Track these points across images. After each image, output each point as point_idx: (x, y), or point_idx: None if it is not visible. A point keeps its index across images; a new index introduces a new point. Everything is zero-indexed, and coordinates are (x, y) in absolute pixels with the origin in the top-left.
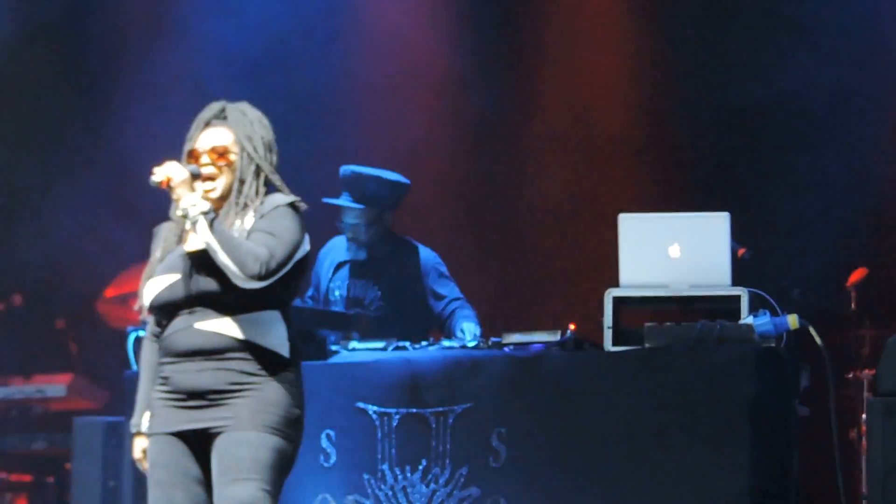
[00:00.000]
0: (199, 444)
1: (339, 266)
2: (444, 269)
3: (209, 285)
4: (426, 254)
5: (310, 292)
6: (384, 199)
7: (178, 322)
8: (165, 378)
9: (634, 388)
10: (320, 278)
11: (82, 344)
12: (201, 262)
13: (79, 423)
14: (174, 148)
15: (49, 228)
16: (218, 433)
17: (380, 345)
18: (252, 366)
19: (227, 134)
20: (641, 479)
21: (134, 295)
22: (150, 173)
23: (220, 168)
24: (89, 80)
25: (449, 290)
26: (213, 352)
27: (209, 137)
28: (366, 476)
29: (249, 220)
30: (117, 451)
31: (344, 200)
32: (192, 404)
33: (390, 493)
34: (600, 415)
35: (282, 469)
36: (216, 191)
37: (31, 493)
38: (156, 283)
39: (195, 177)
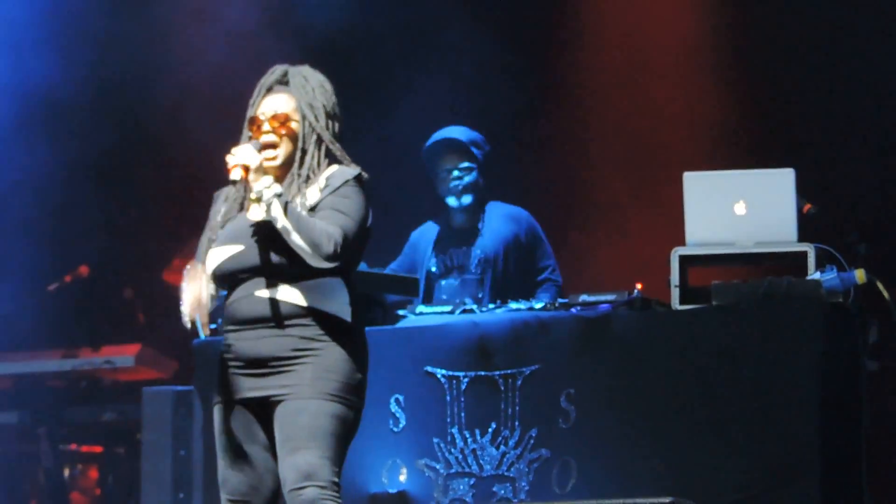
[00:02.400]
0: (262, 411)
1: (436, 243)
2: (538, 230)
3: (272, 255)
4: (520, 215)
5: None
6: (480, 148)
7: (241, 290)
8: (229, 345)
9: (702, 346)
10: (419, 262)
11: (150, 314)
12: (265, 231)
13: (148, 393)
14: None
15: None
16: (279, 401)
17: (447, 308)
18: (313, 331)
19: (288, 101)
20: (710, 437)
21: None
22: (226, 171)
23: (280, 136)
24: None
25: (543, 258)
26: (275, 319)
27: (270, 104)
28: (435, 440)
29: (314, 192)
30: (187, 420)
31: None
32: (255, 372)
33: (460, 456)
34: (668, 374)
35: (343, 436)
36: (277, 159)
37: (102, 464)
38: (219, 253)
39: (265, 146)
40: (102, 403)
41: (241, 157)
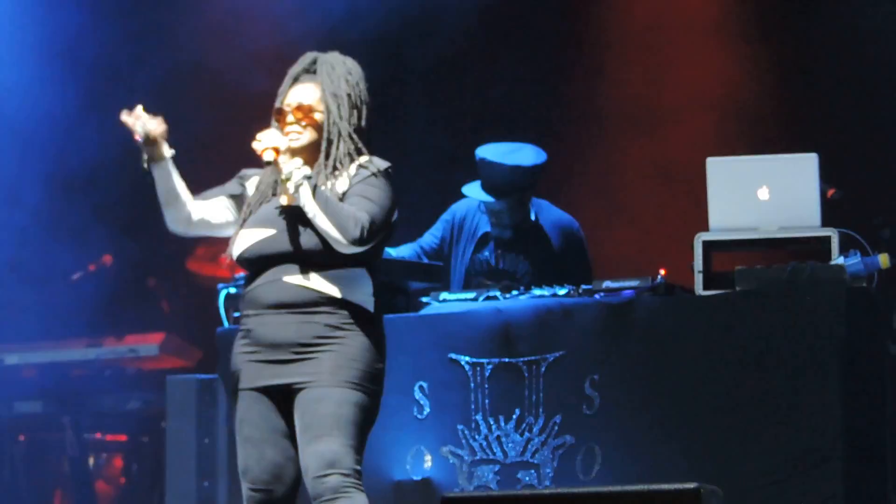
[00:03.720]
0: (283, 399)
1: (482, 237)
2: (584, 242)
3: (301, 241)
4: (568, 224)
5: (430, 244)
6: (522, 186)
7: (266, 275)
8: (248, 331)
9: (726, 331)
10: (454, 241)
11: (173, 302)
12: (294, 217)
13: (172, 382)
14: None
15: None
16: (300, 389)
17: (471, 295)
18: (336, 319)
19: (314, 91)
20: (735, 422)
21: (223, 252)
22: (259, 155)
23: (303, 127)
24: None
25: (584, 278)
26: (300, 305)
27: (296, 94)
28: (460, 427)
29: (342, 182)
30: (211, 409)
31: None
32: (275, 358)
33: (484, 443)
34: (692, 359)
35: (364, 424)
36: (299, 141)
37: (127, 453)
38: (248, 235)
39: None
40: (127, 392)
41: (268, 140)
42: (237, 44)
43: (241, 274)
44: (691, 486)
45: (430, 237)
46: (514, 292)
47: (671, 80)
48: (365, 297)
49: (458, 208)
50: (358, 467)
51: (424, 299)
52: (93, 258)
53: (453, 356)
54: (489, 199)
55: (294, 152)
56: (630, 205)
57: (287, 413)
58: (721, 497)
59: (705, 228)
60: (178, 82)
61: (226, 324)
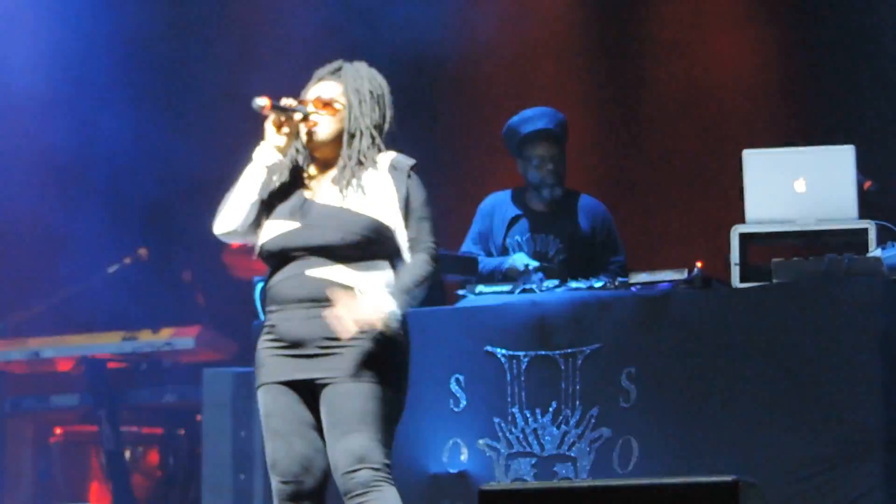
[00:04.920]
0: (308, 392)
1: (513, 221)
2: (613, 224)
3: (324, 235)
4: (597, 207)
5: (477, 245)
6: (565, 127)
7: (289, 269)
8: (271, 326)
9: (763, 324)
10: (492, 234)
11: (209, 296)
12: (319, 210)
13: (208, 375)
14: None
15: (173, 179)
16: (326, 384)
17: (506, 288)
18: None
19: (335, 87)
20: (772, 416)
21: None
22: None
23: (323, 115)
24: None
25: (614, 254)
26: (325, 299)
27: (317, 90)
28: (496, 420)
29: (371, 178)
30: (247, 402)
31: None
32: (300, 353)
33: (521, 435)
34: (729, 352)
35: (392, 418)
36: (318, 134)
37: (163, 446)
38: (273, 227)
39: (303, 118)
40: (163, 385)
41: (270, 100)
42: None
43: None
44: (729, 478)
45: (471, 241)
46: (550, 284)
47: (707, 73)
48: (388, 290)
49: (486, 203)
50: (388, 461)
51: (460, 292)
52: (128, 251)
53: (489, 349)
54: (549, 126)
55: (316, 146)
56: (667, 197)
57: (313, 406)
58: (759, 490)
59: (742, 221)
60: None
61: (262, 317)
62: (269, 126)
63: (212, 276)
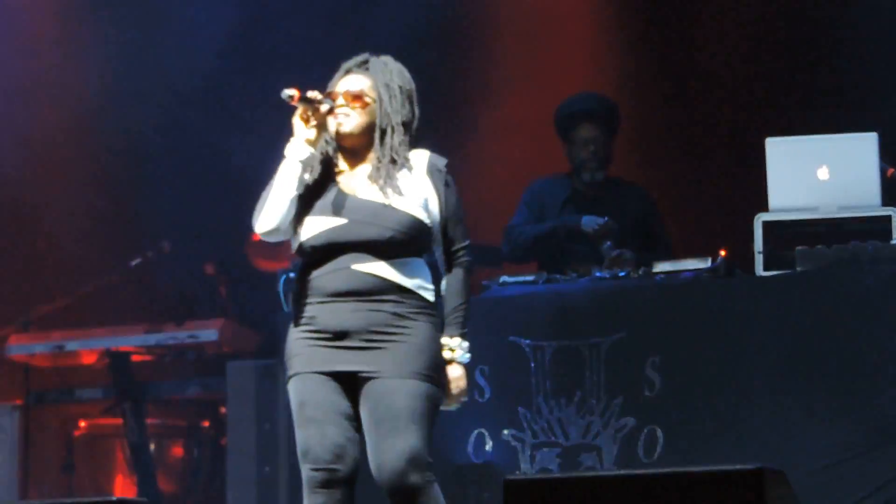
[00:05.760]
0: (348, 385)
1: (565, 203)
2: (656, 208)
3: (375, 232)
4: (641, 191)
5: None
6: (615, 110)
7: (334, 263)
8: (311, 317)
9: (787, 312)
10: (544, 217)
11: (232, 288)
12: (365, 206)
13: (232, 367)
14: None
15: (196, 171)
16: (368, 378)
17: (530, 278)
18: (403, 308)
19: (364, 80)
20: (797, 403)
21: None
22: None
23: (353, 108)
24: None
25: (660, 237)
26: (368, 293)
27: (347, 83)
28: (521, 410)
29: (406, 178)
30: (271, 394)
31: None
32: (343, 345)
33: (546, 425)
34: (753, 340)
35: (434, 415)
36: (346, 126)
37: (187, 438)
38: (317, 223)
39: (329, 111)
40: (186, 378)
41: (299, 92)
42: None
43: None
44: (754, 466)
45: (521, 219)
46: (574, 274)
47: (728, 59)
48: (426, 286)
49: (535, 186)
50: (431, 460)
51: (484, 282)
52: (151, 245)
53: (514, 339)
54: (592, 107)
55: (345, 138)
56: (689, 186)
57: (351, 397)
58: (785, 478)
59: (765, 209)
60: None
61: (286, 308)
62: (296, 121)
63: (234, 269)
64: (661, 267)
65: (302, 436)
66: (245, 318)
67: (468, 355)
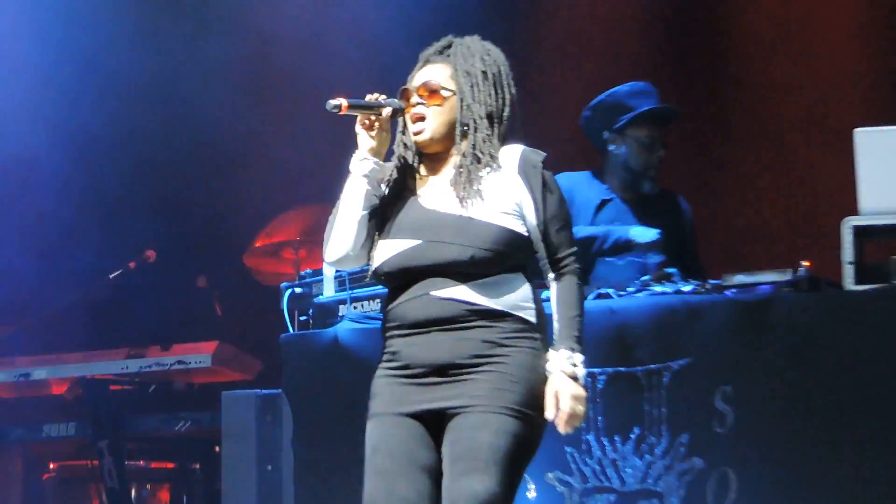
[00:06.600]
0: (432, 426)
1: (600, 206)
2: (694, 228)
3: (453, 253)
4: (684, 203)
5: None
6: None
7: (413, 290)
8: (394, 353)
9: (883, 332)
10: (575, 219)
11: (228, 305)
12: (442, 225)
13: (227, 399)
14: None
15: (186, 169)
16: (454, 414)
17: None
18: (494, 334)
19: (443, 70)
20: (893, 441)
21: (287, 244)
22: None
23: (427, 107)
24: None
25: (696, 258)
26: (453, 321)
27: (424, 74)
28: (568, 449)
29: (495, 180)
30: (274, 430)
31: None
32: (427, 381)
33: (598, 467)
34: (843, 366)
35: (524, 458)
36: (425, 133)
37: (175, 483)
38: (390, 246)
39: (396, 112)
40: (174, 411)
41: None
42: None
43: (308, 270)
44: None
45: None
46: (631, 288)
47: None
48: (525, 305)
49: (562, 184)
50: None
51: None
52: (133, 254)
53: None
54: (668, 105)
55: (426, 143)
56: (766, 185)
57: (435, 442)
58: None
59: (855, 212)
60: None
61: (290, 329)
62: (358, 129)
63: (231, 282)
64: (734, 280)
65: (368, 487)
66: (243, 341)
67: (584, 370)
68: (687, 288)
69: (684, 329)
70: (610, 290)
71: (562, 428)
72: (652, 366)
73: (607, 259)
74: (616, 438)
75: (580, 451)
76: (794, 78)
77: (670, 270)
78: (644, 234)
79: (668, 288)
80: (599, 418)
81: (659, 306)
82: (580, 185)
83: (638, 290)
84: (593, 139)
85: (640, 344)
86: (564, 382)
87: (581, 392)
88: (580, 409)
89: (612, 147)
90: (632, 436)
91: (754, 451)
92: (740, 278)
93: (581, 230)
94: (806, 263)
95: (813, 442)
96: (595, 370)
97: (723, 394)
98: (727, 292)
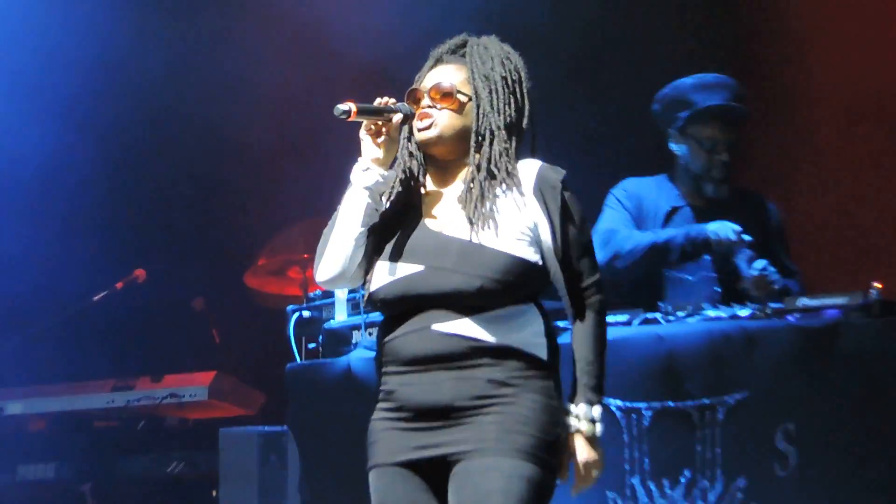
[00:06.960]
0: (435, 474)
1: (670, 213)
2: (784, 229)
3: (458, 283)
4: (771, 206)
5: None
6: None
7: (412, 322)
8: (389, 392)
9: None
10: (644, 227)
11: (227, 330)
12: (448, 250)
13: (226, 437)
14: None
15: (180, 183)
16: (458, 460)
17: (623, 318)
18: (502, 373)
19: (457, 72)
20: None
21: (294, 263)
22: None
23: (439, 110)
24: None
25: (789, 266)
26: (455, 358)
27: (436, 75)
28: (610, 494)
29: (510, 197)
30: (278, 471)
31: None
32: (427, 425)
33: None
34: None
35: None
36: (433, 129)
37: None
38: (388, 269)
39: (407, 118)
40: (166, 451)
41: (356, 104)
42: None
43: (317, 292)
44: None
45: (624, 226)
46: (681, 313)
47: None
48: (535, 340)
49: (629, 190)
50: None
51: (561, 324)
52: (121, 273)
53: None
54: (733, 102)
55: (431, 146)
56: (832, 199)
57: (441, 491)
58: None
59: None
60: None
61: (297, 358)
62: (363, 135)
63: (231, 305)
64: (797, 303)
65: None
66: (244, 371)
67: (601, 426)
68: (744, 312)
69: (741, 359)
70: (657, 315)
71: (573, 492)
72: (704, 400)
73: (676, 275)
74: (664, 482)
75: (623, 497)
76: (865, 78)
77: (763, 262)
78: (723, 228)
79: (722, 312)
80: (645, 460)
81: (712, 333)
82: (649, 191)
83: (689, 315)
84: (664, 136)
85: (692, 375)
86: (581, 447)
87: (597, 457)
88: (595, 474)
89: (673, 147)
90: (682, 479)
91: (820, 495)
92: (804, 301)
93: (644, 236)
94: (878, 285)
95: (888, 488)
96: (640, 405)
97: (785, 432)
98: (789, 317)
